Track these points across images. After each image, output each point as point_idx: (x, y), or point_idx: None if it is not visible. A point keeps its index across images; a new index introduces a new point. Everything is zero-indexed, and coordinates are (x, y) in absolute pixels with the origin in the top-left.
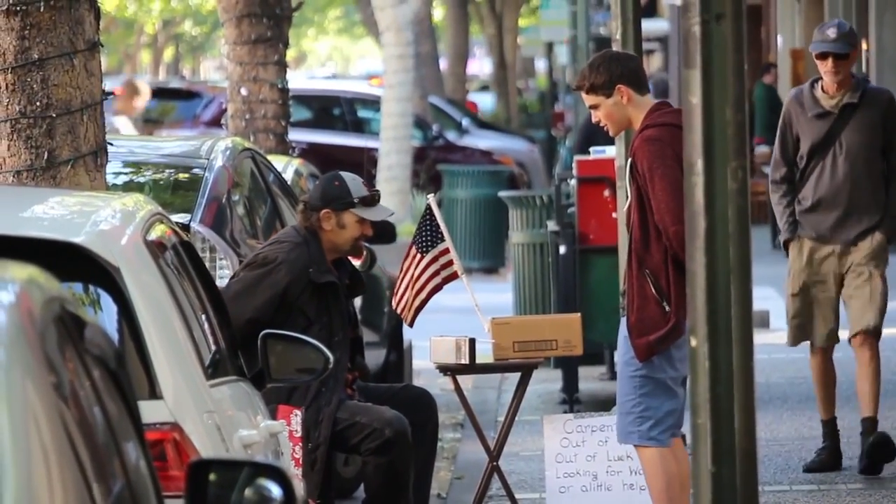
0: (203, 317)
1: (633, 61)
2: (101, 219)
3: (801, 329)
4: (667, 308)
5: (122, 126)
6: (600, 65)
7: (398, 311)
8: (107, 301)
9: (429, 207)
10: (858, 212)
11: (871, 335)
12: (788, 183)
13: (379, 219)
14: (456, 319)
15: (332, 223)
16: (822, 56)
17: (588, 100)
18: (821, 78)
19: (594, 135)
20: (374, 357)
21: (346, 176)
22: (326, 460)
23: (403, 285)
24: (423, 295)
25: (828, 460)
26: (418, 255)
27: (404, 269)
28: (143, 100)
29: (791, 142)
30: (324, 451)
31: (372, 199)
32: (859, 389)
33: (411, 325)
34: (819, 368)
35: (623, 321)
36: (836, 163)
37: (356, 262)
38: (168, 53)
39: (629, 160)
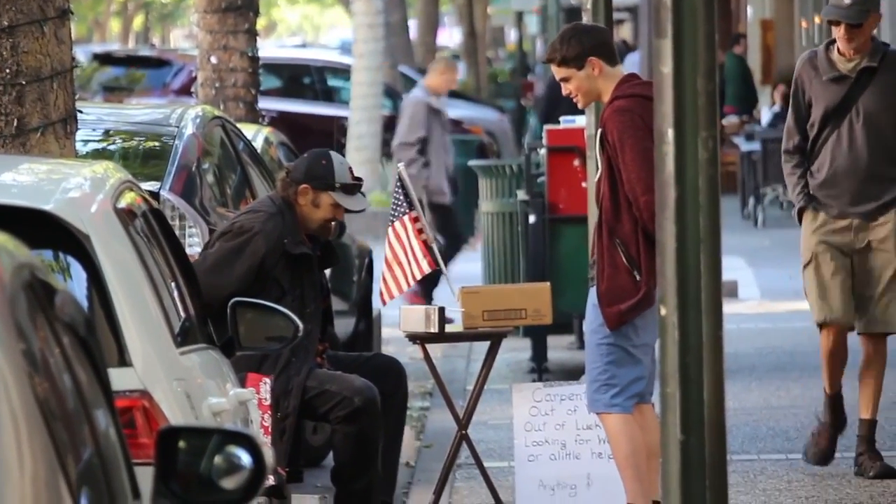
0: (173, 284)
1: (604, 33)
2: (71, 186)
3: (822, 301)
4: (637, 277)
5: (440, 104)
6: (571, 37)
7: (384, 293)
8: (76, 268)
9: (399, 176)
10: (878, 183)
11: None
12: (801, 152)
13: (355, 209)
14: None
15: (307, 199)
16: (835, 23)
17: (559, 72)
18: (836, 40)
19: (558, 103)
20: (344, 326)
21: (336, 157)
22: (296, 429)
23: (399, 256)
24: (416, 269)
25: (827, 448)
26: (408, 215)
27: (395, 241)
28: (455, 77)
29: (804, 107)
30: (293, 421)
31: (353, 188)
32: (862, 388)
33: (384, 303)
34: (830, 347)
35: (592, 290)
36: (852, 130)
37: None
38: (138, 22)
39: (599, 131)
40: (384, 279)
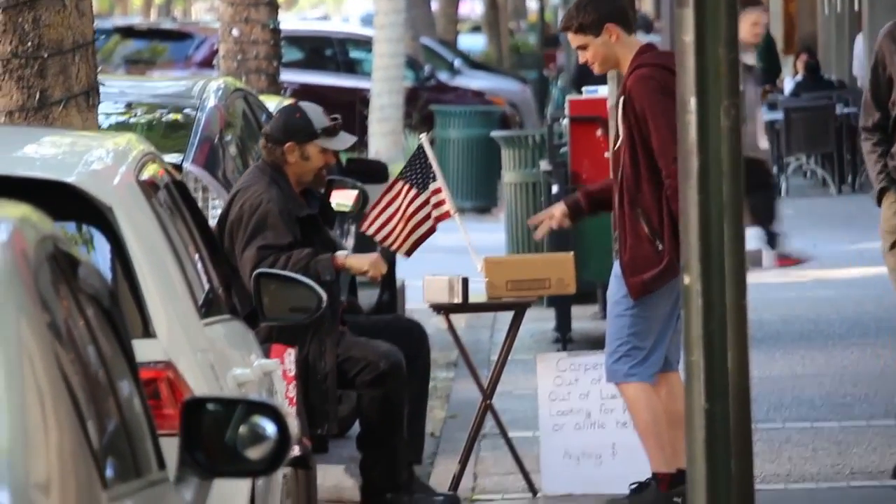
0: (196, 256)
1: (620, 0)
2: (94, 158)
3: None
4: (660, 246)
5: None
6: (588, 4)
7: (379, 239)
8: (100, 240)
9: (421, 147)
10: None
11: None
12: (882, 131)
13: (342, 148)
14: (449, 259)
15: (296, 156)
16: None
17: (575, 40)
18: None
19: (589, 72)
20: (367, 297)
21: (307, 106)
22: (336, 390)
23: (385, 216)
24: (421, 230)
25: None
26: (413, 190)
27: (386, 201)
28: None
29: (884, 83)
30: (333, 380)
31: (334, 129)
32: None
33: (409, 255)
34: None
35: (617, 263)
36: None
37: (348, 204)
38: None
39: (621, 98)
40: (370, 217)
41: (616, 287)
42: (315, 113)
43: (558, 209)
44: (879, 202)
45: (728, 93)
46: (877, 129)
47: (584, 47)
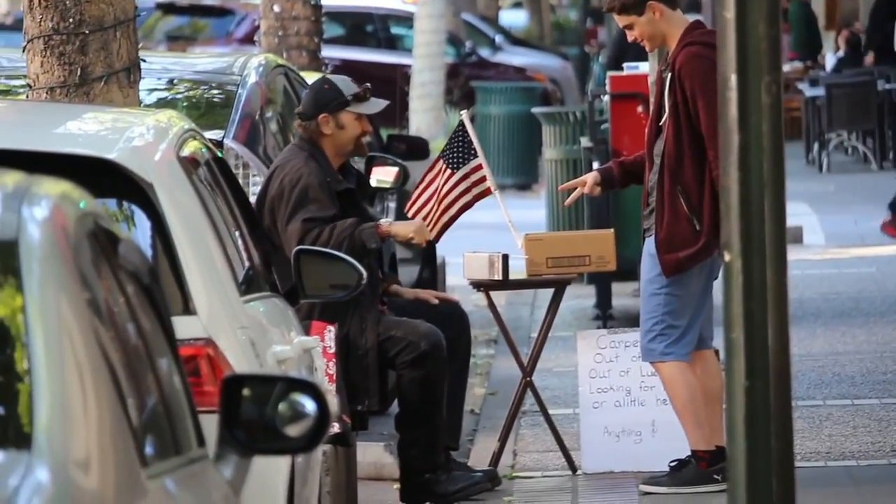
0: (236, 233)
1: None
2: (135, 135)
3: None
4: (697, 226)
5: None
6: None
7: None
8: (140, 217)
9: (461, 124)
10: None
11: None
12: None
13: (375, 111)
14: (489, 236)
15: (331, 126)
16: None
17: (621, 20)
18: None
19: (626, 49)
20: (408, 274)
21: (335, 78)
22: (378, 365)
23: (425, 197)
24: (452, 211)
25: None
26: (448, 171)
27: (428, 181)
28: None
29: None
30: (374, 356)
31: (364, 94)
32: None
33: (436, 241)
34: None
35: (649, 240)
36: None
37: (389, 180)
38: None
39: (668, 74)
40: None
41: (649, 265)
42: (343, 82)
43: (590, 177)
44: None
45: (769, 69)
46: None
47: (630, 27)
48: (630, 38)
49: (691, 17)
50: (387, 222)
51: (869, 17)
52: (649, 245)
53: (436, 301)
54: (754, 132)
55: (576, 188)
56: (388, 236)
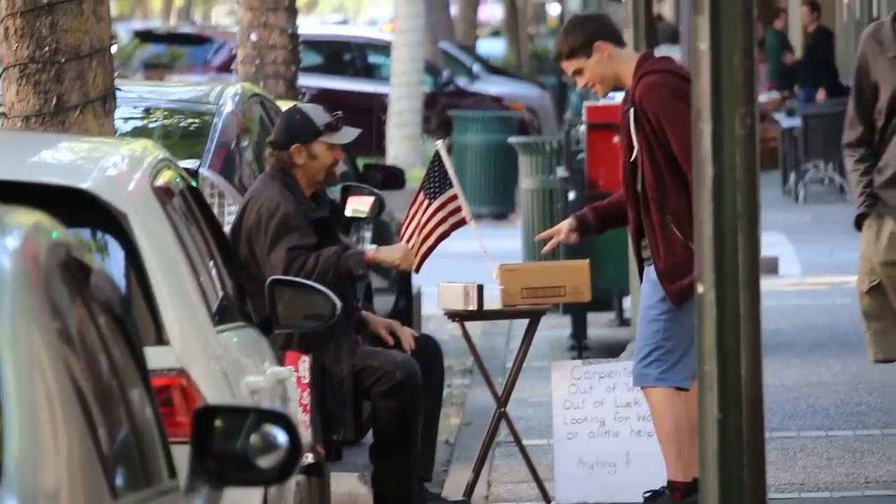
0: (211, 263)
1: (606, 18)
2: (109, 164)
3: (883, 335)
4: (693, 248)
5: None
6: (574, 27)
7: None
8: (114, 247)
9: (437, 153)
10: None
11: None
12: (867, 145)
13: (347, 141)
14: (464, 265)
15: (303, 157)
16: None
17: (570, 66)
18: None
19: None
20: (384, 303)
21: (306, 107)
22: (354, 394)
23: (409, 230)
24: (430, 241)
25: None
26: (426, 201)
27: (411, 214)
28: None
29: (868, 91)
30: (350, 385)
31: (336, 124)
32: None
33: (417, 271)
34: None
35: (649, 268)
36: None
37: (365, 210)
38: None
39: (631, 110)
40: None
41: (650, 291)
42: (315, 111)
43: (566, 224)
44: (859, 227)
45: (744, 100)
46: (861, 143)
47: (579, 72)
48: (580, 85)
49: (669, 49)
50: (372, 249)
51: (805, 53)
52: (650, 273)
53: (392, 342)
54: (728, 164)
55: (552, 237)
56: (375, 263)
